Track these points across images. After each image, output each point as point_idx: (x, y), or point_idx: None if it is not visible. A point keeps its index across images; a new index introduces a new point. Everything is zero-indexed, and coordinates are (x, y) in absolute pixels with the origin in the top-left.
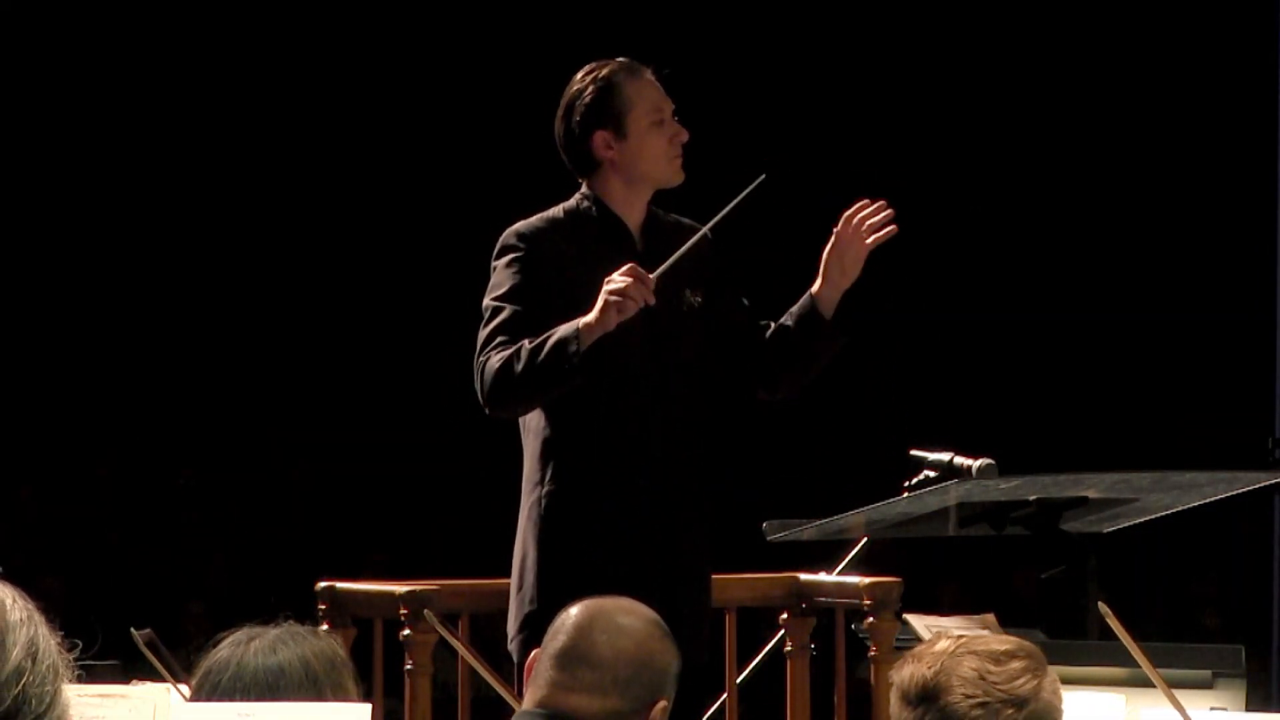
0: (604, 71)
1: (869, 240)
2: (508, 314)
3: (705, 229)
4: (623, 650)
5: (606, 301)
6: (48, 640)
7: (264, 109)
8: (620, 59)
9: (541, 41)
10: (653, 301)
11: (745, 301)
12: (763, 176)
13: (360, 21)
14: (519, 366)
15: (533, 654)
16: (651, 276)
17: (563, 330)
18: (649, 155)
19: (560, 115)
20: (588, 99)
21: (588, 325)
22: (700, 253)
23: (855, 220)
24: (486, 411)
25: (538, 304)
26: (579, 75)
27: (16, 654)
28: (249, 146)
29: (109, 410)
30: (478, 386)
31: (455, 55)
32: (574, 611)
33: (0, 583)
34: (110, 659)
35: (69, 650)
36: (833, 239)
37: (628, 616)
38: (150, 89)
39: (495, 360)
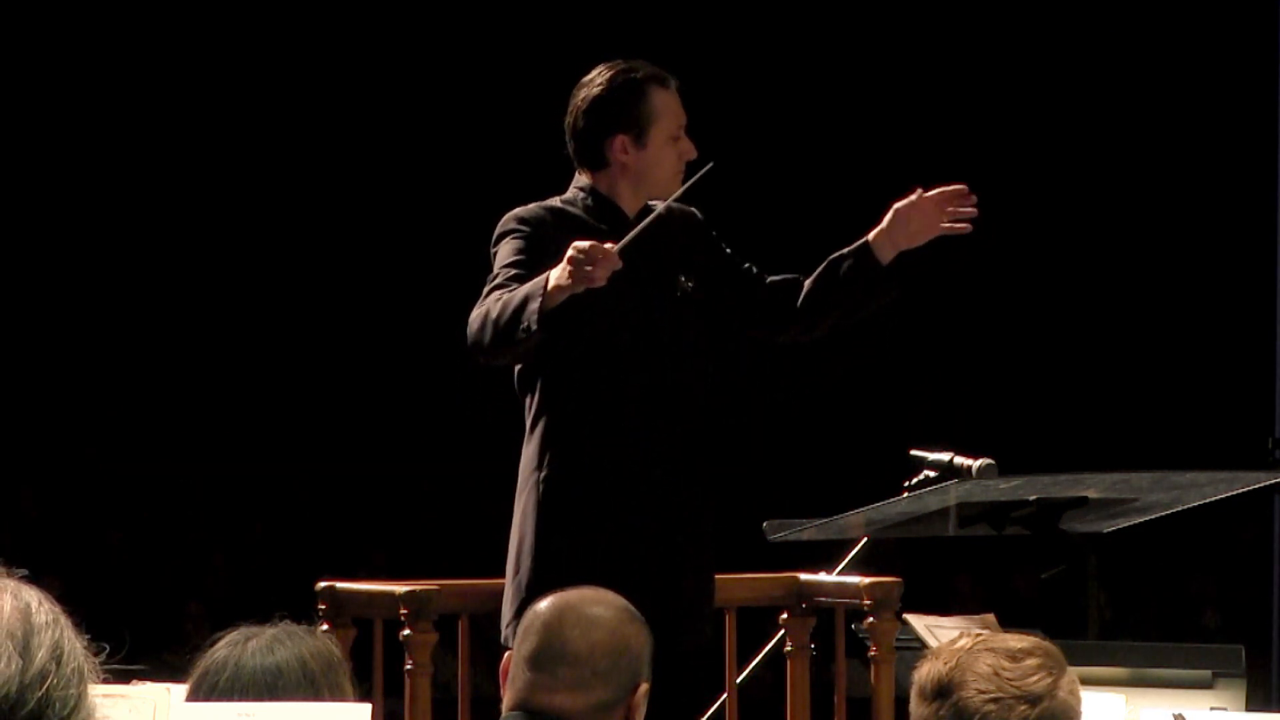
0: (637, 75)
1: (944, 224)
2: (508, 275)
3: (661, 208)
4: (598, 642)
5: (573, 269)
6: (73, 643)
7: (264, 110)
8: (650, 66)
9: (532, 55)
10: (618, 264)
11: (742, 262)
12: (710, 165)
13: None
14: (491, 318)
15: (506, 656)
16: (614, 248)
17: (529, 287)
18: (660, 169)
19: (580, 107)
20: (616, 100)
21: (556, 288)
22: (693, 237)
23: (945, 198)
24: (480, 361)
25: (536, 275)
26: (608, 72)
27: (41, 656)
28: (249, 146)
29: (110, 410)
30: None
31: (454, 64)
32: (542, 609)
33: (26, 585)
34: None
35: (95, 654)
36: (914, 198)
37: (596, 606)
38: (151, 89)
39: (478, 310)
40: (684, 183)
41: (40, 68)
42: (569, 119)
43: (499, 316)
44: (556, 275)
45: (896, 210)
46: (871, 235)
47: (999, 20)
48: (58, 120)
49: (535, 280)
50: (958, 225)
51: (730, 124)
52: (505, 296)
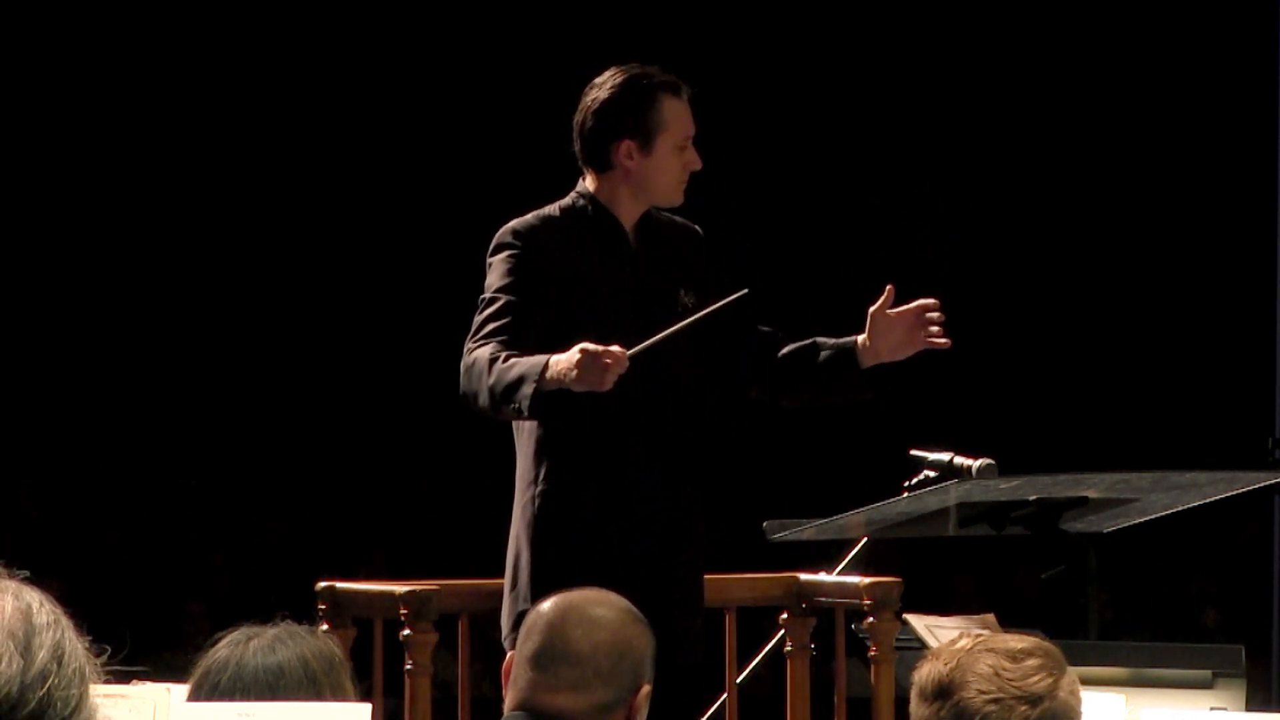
0: (650, 82)
1: (925, 339)
2: (501, 304)
3: (683, 324)
4: (600, 643)
5: (579, 375)
6: (74, 644)
7: (264, 110)
8: (664, 73)
9: (534, 57)
10: (625, 369)
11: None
12: (745, 291)
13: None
14: (486, 383)
15: (508, 657)
16: (625, 354)
17: (527, 367)
18: (663, 177)
19: (589, 108)
20: (626, 104)
21: (553, 377)
22: (694, 254)
23: (924, 312)
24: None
25: (532, 297)
26: (620, 75)
27: (42, 657)
28: (249, 146)
29: (110, 410)
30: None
31: (455, 65)
32: (545, 609)
33: (27, 586)
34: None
35: (97, 655)
36: (886, 298)
37: (599, 607)
38: (151, 89)
39: (470, 359)
40: (685, 193)
41: (40, 68)
42: (577, 118)
43: (493, 385)
44: (558, 368)
45: (872, 315)
46: (859, 339)
47: (998, 20)
48: (58, 120)
49: (535, 361)
50: (938, 341)
51: (730, 128)
52: (500, 366)
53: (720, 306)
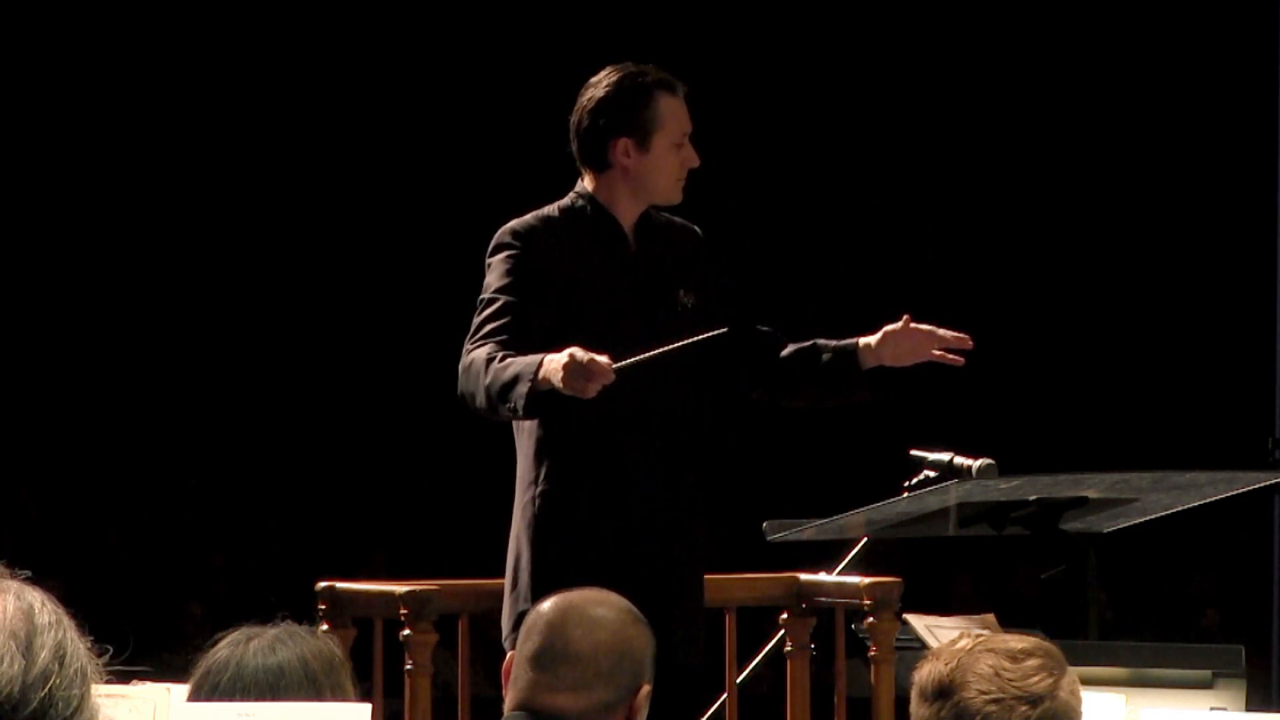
0: (645, 80)
1: (935, 352)
2: (500, 304)
3: (670, 349)
4: (600, 643)
5: (564, 379)
6: (76, 644)
7: (264, 110)
8: (659, 71)
9: (535, 57)
10: (611, 379)
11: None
12: (723, 330)
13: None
14: (483, 383)
15: (508, 657)
16: (612, 366)
17: (522, 365)
18: (661, 175)
19: (585, 107)
20: (621, 102)
21: (544, 377)
22: (693, 254)
23: (939, 335)
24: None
25: (531, 297)
26: (615, 74)
27: (44, 657)
28: (249, 146)
29: (110, 410)
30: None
31: (455, 65)
32: (545, 609)
33: (29, 587)
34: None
35: (99, 655)
36: (902, 325)
37: (600, 607)
38: (151, 89)
39: (468, 359)
40: (684, 191)
41: (40, 68)
42: (574, 118)
43: (490, 385)
44: (549, 369)
45: (886, 332)
46: (861, 342)
47: (998, 21)
48: (58, 120)
49: (529, 361)
50: (950, 357)
51: (730, 128)
52: (497, 366)
53: (704, 339)
